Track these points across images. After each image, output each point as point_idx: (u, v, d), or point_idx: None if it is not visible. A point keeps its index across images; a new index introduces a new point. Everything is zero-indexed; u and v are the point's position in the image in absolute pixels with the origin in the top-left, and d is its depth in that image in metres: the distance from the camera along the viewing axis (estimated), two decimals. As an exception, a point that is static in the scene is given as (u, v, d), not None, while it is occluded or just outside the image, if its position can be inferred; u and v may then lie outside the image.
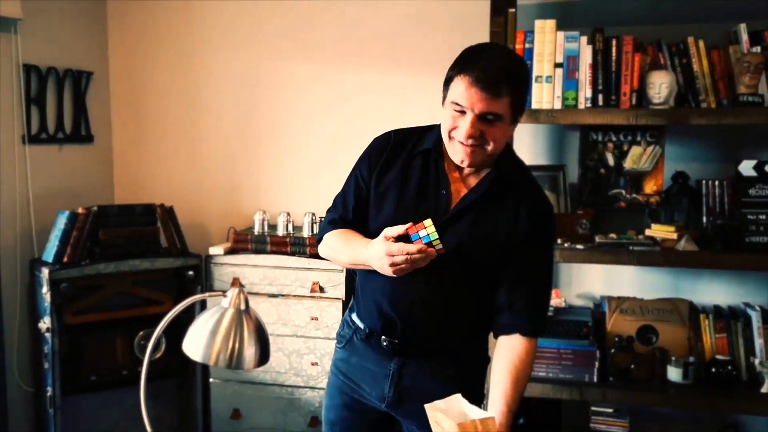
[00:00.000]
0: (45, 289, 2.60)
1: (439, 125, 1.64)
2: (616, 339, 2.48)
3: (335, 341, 1.87)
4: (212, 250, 2.88)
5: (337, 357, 1.83)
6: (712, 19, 2.49)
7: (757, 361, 2.39)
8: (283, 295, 2.79)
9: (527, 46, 2.39)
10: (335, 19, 3.00)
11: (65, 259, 2.66)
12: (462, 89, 1.49)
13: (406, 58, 2.94)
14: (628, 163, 2.62)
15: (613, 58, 2.37)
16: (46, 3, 2.85)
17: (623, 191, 2.63)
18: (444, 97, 1.57)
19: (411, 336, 1.67)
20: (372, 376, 1.73)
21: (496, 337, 1.66)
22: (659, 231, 2.45)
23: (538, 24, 2.38)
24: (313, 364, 2.79)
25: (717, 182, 2.47)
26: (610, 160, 2.64)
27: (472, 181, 1.63)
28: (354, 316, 1.79)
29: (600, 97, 2.38)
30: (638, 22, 2.58)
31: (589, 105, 2.38)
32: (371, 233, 1.66)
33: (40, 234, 2.81)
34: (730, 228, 2.37)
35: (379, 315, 1.68)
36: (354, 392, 1.77)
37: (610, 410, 2.56)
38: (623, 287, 2.71)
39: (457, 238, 1.58)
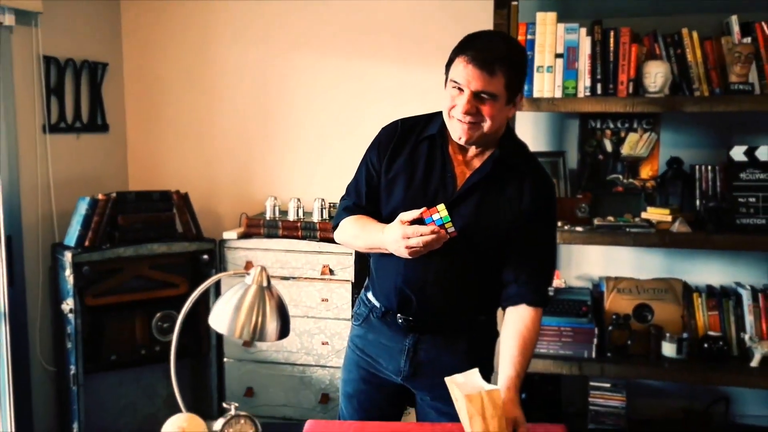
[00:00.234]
0: (68, 271, 2.70)
1: (442, 112, 1.73)
2: (614, 317, 2.60)
3: (351, 319, 1.96)
4: (226, 235, 2.99)
5: (354, 334, 1.92)
6: (705, 11, 2.59)
7: (746, 337, 2.51)
8: (294, 278, 2.90)
9: (529, 37, 2.49)
10: (343, 13, 3.09)
11: (87, 243, 2.76)
12: (460, 68, 1.59)
13: (413, 50, 3.03)
14: (625, 149, 2.72)
15: (611, 48, 2.47)
16: (64, -3, 2.95)
17: (620, 176, 2.74)
18: (446, 80, 1.67)
19: (425, 313, 1.77)
20: (388, 351, 1.83)
21: (503, 309, 1.76)
22: (655, 214, 2.56)
23: (540, 16, 2.48)
24: (323, 344, 2.90)
25: (710, 167, 2.58)
26: (608, 146, 2.74)
27: (476, 163, 1.72)
28: (370, 295, 1.88)
29: (598, 86, 2.48)
30: (635, 14, 2.68)
31: (588, 94, 2.48)
32: (384, 217, 1.76)
33: (60, 219, 2.92)
34: (721, 210, 2.49)
35: (395, 294, 1.77)
36: (371, 366, 1.87)
37: (608, 385, 2.68)
38: (620, 268, 2.83)
39: (464, 218, 1.68)
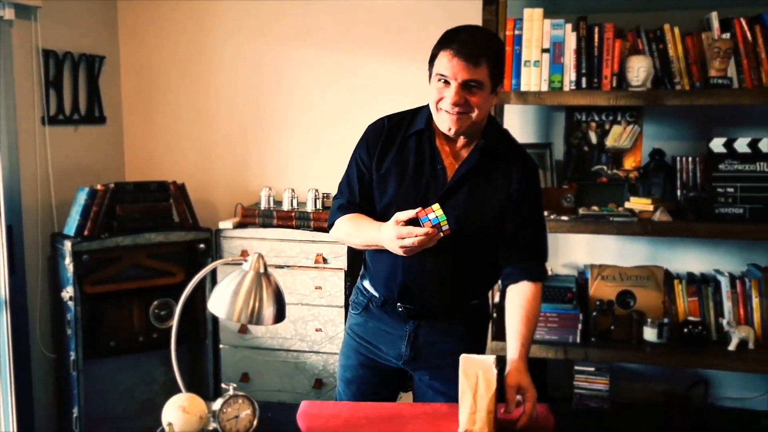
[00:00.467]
0: (68, 260, 2.77)
1: (426, 106, 1.81)
2: (598, 303, 2.68)
3: (349, 308, 2.03)
4: (222, 225, 3.06)
5: (353, 322, 2.00)
6: (686, 7, 2.66)
7: (725, 322, 2.60)
8: (288, 266, 2.98)
9: (517, 32, 2.57)
10: (337, 8, 3.15)
11: (86, 233, 2.82)
12: (445, 61, 1.67)
13: (403, 44, 3.10)
14: (609, 141, 2.80)
15: (596, 44, 2.55)
16: (62, -9, 3.00)
17: (605, 167, 2.82)
18: (430, 75, 1.75)
19: (424, 301, 1.85)
20: (389, 338, 1.91)
21: (505, 287, 1.85)
22: (637, 203, 2.65)
23: (527, 12, 2.55)
24: (317, 330, 2.98)
25: (690, 158, 2.67)
26: (593, 138, 2.83)
27: (464, 154, 1.80)
28: (367, 285, 1.95)
29: (583, 80, 2.56)
30: (619, 10, 2.76)
31: (573, 87, 2.56)
32: (378, 213, 1.83)
33: (59, 209, 2.98)
34: (701, 200, 2.57)
35: (395, 285, 1.85)
36: (371, 353, 1.95)
37: (592, 369, 2.76)
38: (605, 257, 2.92)
39: (457, 209, 1.76)
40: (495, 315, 2.64)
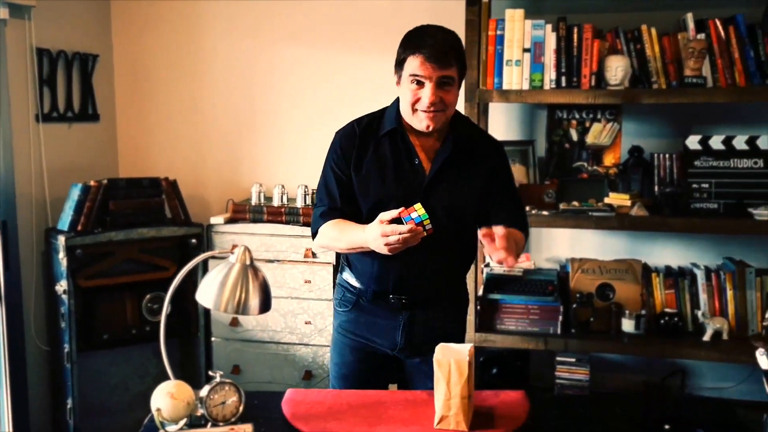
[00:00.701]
0: (62, 254, 2.83)
1: (391, 105, 1.91)
2: (578, 295, 2.76)
3: (337, 306, 2.07)
4: (213, 220, 3.13)
5: (343, 320, 2.04)
6: (663, 8, 2.74)
7: (700, 314, 2.67)
8: (278, 261, 3.04)
9: (499, 33, 2.64)
10: (327, 7, 3.21)
11: (79, 228, 2.88)
12: (417, 65, 1.77)
13: (391, 43, 3.12)
14: (589, 139, 2.88)
15: (575, 44, 2.62)
16: (55, -10, 3.06)
17: (585, 164, 2.89)
18: (399, 77, 1.84)
19: (418, 290, 1.94)
20: (383, 329, 1.98)
21: None
22: (616, 199, 2.72)
23: (509, 13, 2.62)
24: (306, 323, 3.04)
25: (667, 155, 2.74)
26: (574, 135, 2.90)
27: (437, 146, 1.90)
28: (353, 281, 2.00)
29: (563, 78, 2.63)
30: (598, 11, 2.83)
31: (553, 86, 2.63)
32: (365, 214, 1.89)
33: (53, 205, 3.04)
34: (677, 195, 2.65)
35: (389, 278, 1.92)
36: (366, 347, 2.02)
37: (573, 360, 2.84)
38: (585, 251, 2.99)
39: (444, 199, 1.85)
40: (478, 307, 2.72)
